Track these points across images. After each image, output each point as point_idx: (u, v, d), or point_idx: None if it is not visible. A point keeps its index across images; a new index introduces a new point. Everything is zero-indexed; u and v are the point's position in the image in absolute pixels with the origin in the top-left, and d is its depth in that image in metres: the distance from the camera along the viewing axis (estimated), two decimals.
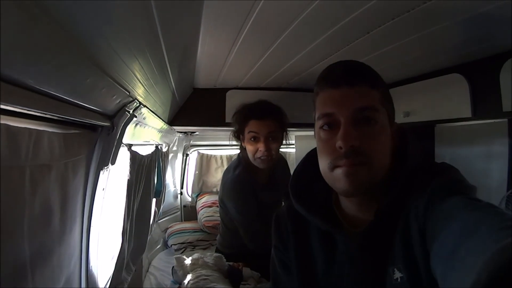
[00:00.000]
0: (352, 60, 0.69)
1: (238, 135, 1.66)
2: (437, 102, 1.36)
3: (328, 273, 0.72)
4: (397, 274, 0.61)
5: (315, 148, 0.73)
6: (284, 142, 1.68)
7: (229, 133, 1.72)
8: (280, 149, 1.67)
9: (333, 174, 0.65)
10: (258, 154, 1.55)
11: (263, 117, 1.54)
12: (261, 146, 1.53)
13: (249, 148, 1.58)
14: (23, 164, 0.49)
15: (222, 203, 1.76)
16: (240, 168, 1.66)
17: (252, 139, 1.55)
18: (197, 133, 2.64)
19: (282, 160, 1.91)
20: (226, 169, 1.80)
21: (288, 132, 1.67)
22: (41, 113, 0.50)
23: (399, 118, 1.49)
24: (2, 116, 0.42)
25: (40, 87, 0.45)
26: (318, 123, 0.68)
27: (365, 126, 0.63)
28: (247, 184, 1.64)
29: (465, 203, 0.52)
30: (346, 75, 0.65)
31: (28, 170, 0.50)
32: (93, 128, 0.79)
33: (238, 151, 1.78)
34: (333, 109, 0.64)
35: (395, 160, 0.68)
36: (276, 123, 1.56)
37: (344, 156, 0.62)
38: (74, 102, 0.58)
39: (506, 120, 1.23)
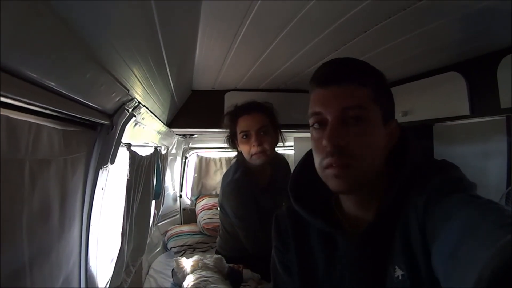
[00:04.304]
0: (346, 58, 0.69)
1: (232, 140, 1.65)
2: (435, 100, 1.37)
3: (329, 273, 0.72)
4: (398, 272, 0.61)
5: None
6: (281, 144, 1.67)
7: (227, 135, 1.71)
8: (277, 150, 1.66)
9: (325, 174, 0.65)
10: (253, 151, 1.53)
11: (250, 112, 1.54)
12: (253, 142, 1.52)
13: (243, 148, 1.57)
14: (23, 157, 0.49)
15: (222, 207, 1.74)
16: (239, 172, 1.64)
17: (244, 136, 1.54)
18: (196, 135, 2.63)
19: (283, 161, 1.89)
20: (225, 173, 1.78)
21: (281, 131, 1.66)
22: (41, 107, 0.50)
23: (397, 118, 1.48)
24: (2, 109, 0.42)
25: (40, 80, 0.45)
26: (310, 122, 0.69)
27: (353, 125, 0.63)
28: (247, 188, 1.62)
29: (465, 200, 0.52)
30: (334, 74, 0.65)
31: (27, 164, 0.50)
32: (92, 126, 0.79)
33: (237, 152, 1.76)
34: (321, 109, 0.65)
35: (394, 158, 0.68)
36: (265, 116, 1.56)
37: (330, 155, 0.62)
38: (74, 98, 0.59)
39: (504, 117, 1.23)
